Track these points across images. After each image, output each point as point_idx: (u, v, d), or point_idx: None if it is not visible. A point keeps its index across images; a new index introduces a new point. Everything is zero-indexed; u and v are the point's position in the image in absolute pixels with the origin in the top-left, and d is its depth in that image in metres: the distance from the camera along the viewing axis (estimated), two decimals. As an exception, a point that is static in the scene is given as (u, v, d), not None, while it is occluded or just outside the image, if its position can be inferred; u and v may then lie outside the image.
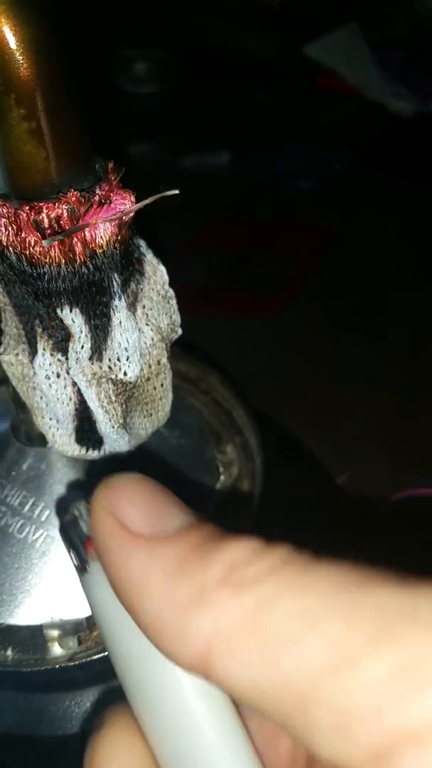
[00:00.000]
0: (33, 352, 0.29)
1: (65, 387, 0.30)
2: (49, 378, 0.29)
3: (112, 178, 0.25)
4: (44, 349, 0.29)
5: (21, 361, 0.30)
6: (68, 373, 0.29)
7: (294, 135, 0.91)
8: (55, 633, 0.33)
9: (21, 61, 0.22)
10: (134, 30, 1.00)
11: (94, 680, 0.34)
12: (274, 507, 0.39)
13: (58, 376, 0.29)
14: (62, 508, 0.31)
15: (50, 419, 0.31)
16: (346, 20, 1.03)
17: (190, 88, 0.97)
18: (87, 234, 0.25)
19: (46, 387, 0.30)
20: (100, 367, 0.29)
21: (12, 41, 0.22)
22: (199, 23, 1.07)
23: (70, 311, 0.27)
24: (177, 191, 0.25)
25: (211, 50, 1.03)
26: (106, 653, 0.31)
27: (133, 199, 0.25)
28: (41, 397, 0.30)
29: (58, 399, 0.30)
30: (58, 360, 0.29)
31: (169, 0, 1.04)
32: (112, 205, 0.25)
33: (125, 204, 0.25)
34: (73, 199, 0.24)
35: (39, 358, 0.29)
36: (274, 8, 1.10)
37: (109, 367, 0.29)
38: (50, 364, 0.29)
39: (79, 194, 0.24)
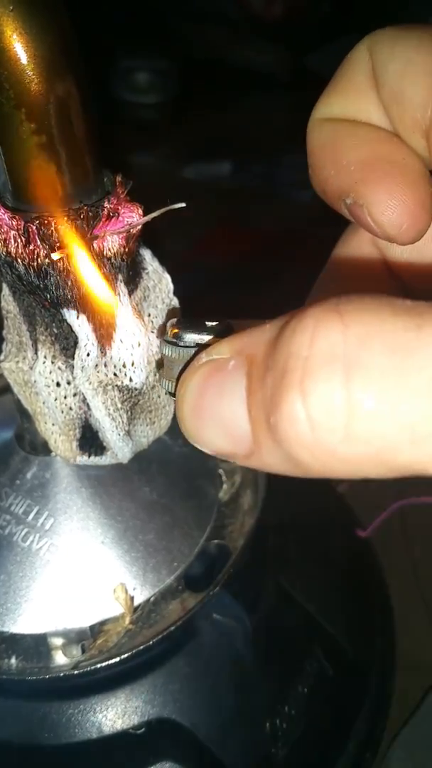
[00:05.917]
0: (34, 359, 0.29)
1: (65, 397, 0.30)
2: (48, 386, 0.29)
3: (120, 192, 0.26)
4: (45, 357, 0.29)
5: (21, 368, 0.31)
6: (68, 383, 0.29)
7: (294, 145, 0.91)
8: (58, 641, 0.33)
9: (32, 77, 0.22)
10: (135, 40, 1.01)
11: (98, 689, 0.34)
12: (275, 516, 0.40)
13: (58, 384, 0.29)
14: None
15: (53, 425, 0.31)
16: (347, 31, 1.03)
17: (191, 98, 0.98)
18: (95, 246, 0.25)
19: (46, 395, 0.30)
20: (106, 375, 0.29)
21: (24, 57, 0.22)
22: (200, 34, 1.07)
23: (77, 318, 0.27)
24: (184, 204, 0.25)
25: (211, 61, 1.04)
26: (110, 661, 0.31)
27: (140, 212, 0.26)
28: (44, 402, 0.31)
29: (57, 407, 0.30)
30: (59, 368, 0.29)
31: (170, 10, 1.04)
32: (120, 218, 0.25)
33: (133, 217, 0.25)
34: (82, 212, 0.24)
35: (39, 366, 0.29)
36: (274, 19, 1.10)
37: (115, 374, 0.29)
38: (50, 372, 0.29)
39: (88, 208, 0.24)
